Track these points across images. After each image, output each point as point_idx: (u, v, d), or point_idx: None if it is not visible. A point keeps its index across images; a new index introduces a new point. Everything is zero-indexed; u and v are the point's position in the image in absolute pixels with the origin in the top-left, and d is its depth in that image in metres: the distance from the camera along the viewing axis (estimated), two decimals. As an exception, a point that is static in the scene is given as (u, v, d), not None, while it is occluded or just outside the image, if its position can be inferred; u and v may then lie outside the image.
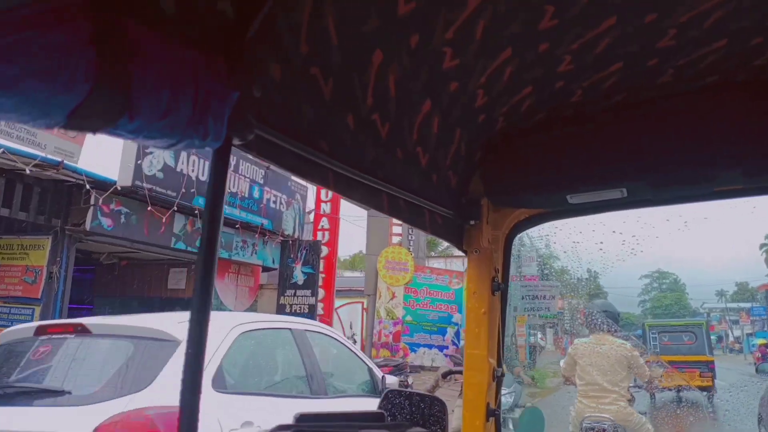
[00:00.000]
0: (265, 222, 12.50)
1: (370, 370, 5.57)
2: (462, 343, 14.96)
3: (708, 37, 1.21)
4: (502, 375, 1.81)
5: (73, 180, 8.26)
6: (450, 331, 20.21)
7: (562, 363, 5.26)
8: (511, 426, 6.41)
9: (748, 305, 51.29)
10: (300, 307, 13.86)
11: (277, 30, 0.95)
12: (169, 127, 0.75)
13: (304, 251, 13.96)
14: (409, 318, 19.82)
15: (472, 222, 1.72)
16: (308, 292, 14.02)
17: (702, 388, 14.81)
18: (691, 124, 1.43)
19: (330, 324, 13.12)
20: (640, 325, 25.57)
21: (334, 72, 1.10)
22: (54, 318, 8.08)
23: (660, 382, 5.94)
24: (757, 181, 1.47)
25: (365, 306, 20.46)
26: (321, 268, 14.47)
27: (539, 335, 31.47)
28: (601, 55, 1.27)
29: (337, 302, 21.29)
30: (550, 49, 1.24)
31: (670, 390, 14.10)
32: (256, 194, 12.11)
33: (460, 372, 3.40)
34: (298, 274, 14.02)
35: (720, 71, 1.36)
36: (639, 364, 4.86)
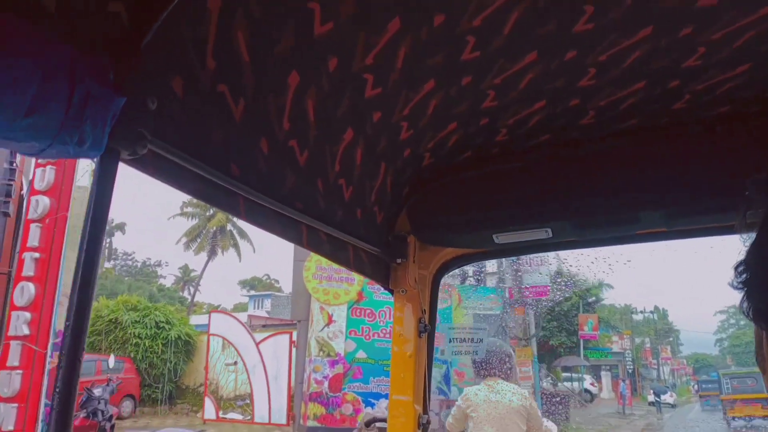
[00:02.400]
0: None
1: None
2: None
3: (628, 78, 1.23)
4: (428, 423, 1.72)
5: None
6: (435, 373, 13.84)
7: (449, 418, 4.30)
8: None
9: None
10: None
11: (178, 40, 0.90)
12: (35, 127, 0.70)
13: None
14: (361, 354, 13.41)
15: (398, 260, 1.67)
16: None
17: (764, 417, 22.98)
18: (613, 166, 1.45)
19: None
20: (717, 369, 34.26)
21: (245, 92, 1.05)
22: None
23: None
24: (678, 224, 1.49)
25: (294, 338, 14.13)
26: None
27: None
28: (524, 91, 1.27)
29: (259, 334, 15.21)
30: (473, 83, 1.23)
31: (743, 419, 23.22)
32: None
33: (385, 420, 2.00)
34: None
35: (640, 114, 1.38)
36: (536, 416, 4.11)
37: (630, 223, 1.47)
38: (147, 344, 18.64)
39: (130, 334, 18.39)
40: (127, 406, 16.99)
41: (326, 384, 12.89)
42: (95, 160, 0.81)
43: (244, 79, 1.02)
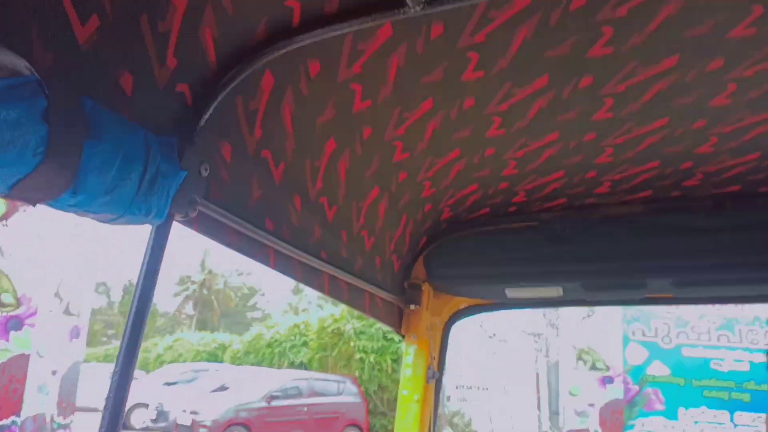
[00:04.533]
0: None
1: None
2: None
3: (641, 158, 1.35)
4: None
5: None
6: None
7: None
8: None
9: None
10: None
11: (232, 114, 1.01)
12: (113, 203, 0.78)
13: None
14: (658, 368, 8.06)
15: (412, 306, 1.72)
16: None
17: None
18: (624, 233, 1.53)
19: None
20: None
21: (285, 156, 1.16)
22: None
23: None
24: (686, 291, 1.56)
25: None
26: None
27: None
28: (544, 163, 1.38)
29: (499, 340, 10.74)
30: (496, 154, 1.35)
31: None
32: None
33: None
34: None
35: (653, 188, 1.50)
36: None
37: (637, 288, 1.58)
38: (373, 360, 15.48)
39: (354, 347, 15.43)
40: (351, 439, 13.93)
41: (594, 417, 7.70)
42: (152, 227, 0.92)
43: (285, 145, 1.14)
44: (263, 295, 54.76)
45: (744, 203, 1.46)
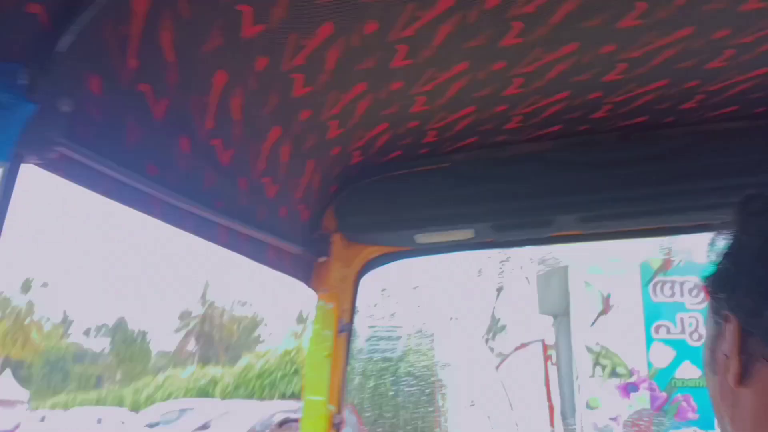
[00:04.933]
0: None
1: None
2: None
3: (551, 89, 1.32)
4: (341, 423, 1.72)
5: None
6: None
7: None
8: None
9: None
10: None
11: (98, 42, 0.90)
12: None
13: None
14: (687, 370, 6.80)
15: (321, 259, 1.67)
16: None
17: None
18: (534, 171, 1.53)
19: None
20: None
21: (168, 91, 1.05)
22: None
23: None
24: (592, 227, 1.56)
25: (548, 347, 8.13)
26: None
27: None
28: (453, 98, 1.34)
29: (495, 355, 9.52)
30: (404, 88, 1.29)
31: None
32: None
33: (297, 420, 2.02)
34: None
35: (562, 121, 1.47)
36: None
37: (545, 226, 1.55)
38: (373, 384, 14.15)
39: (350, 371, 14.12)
40: (349, 469, 12.51)
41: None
42: None
43: (167, 78, 1.03)
44: (266, 325, 53.51)
45: (650, 134, 1.50)
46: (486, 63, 1.21)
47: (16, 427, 25.98)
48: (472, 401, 10.69)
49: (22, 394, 40.65)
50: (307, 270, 1.68)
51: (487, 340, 14.87)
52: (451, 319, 14.38)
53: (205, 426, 12.76)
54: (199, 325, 46.52)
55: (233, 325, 47.93)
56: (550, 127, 1.48)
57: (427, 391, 14.25)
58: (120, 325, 41.27)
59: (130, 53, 0.93)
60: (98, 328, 45.56)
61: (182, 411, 15.86)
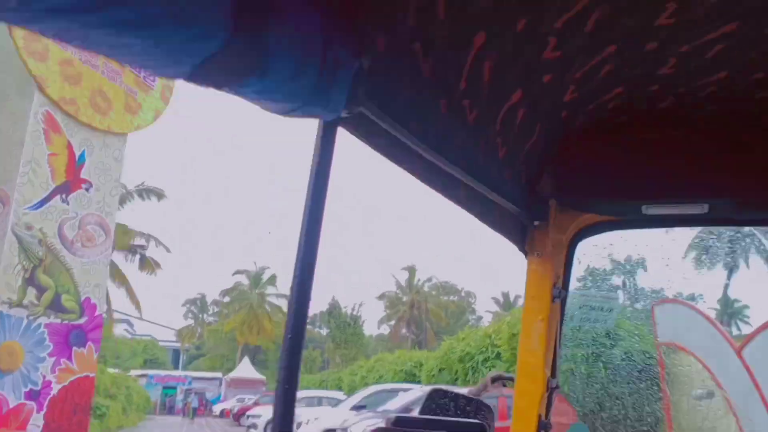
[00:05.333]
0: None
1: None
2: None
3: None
4: (557, 387, 1.74)
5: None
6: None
7: None
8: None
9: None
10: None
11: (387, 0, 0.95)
12: (295, 91, 0.74)
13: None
14: None
15: (536, 222, 1.65)
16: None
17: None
18: None
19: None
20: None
21: (435, 49, 1.07)
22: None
23: None
24: None
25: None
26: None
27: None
28: (710, 60, 1.22)
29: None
30: (658, 48, 1.21)
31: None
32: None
33: (512, 379, 2.67)
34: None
35: None
36: None
37: None
38: (585, 371, 12.56)
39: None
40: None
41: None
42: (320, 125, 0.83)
43: (436, 36, 1.03)
44: (473, 309, 53.20)
45: None
46: (759, 23, 1.09)
47: (256, 402, 29.41)
48: (708, 390, 8.69)
49: (261, 376, 46.05)
50: (522, 233, 1.66)
51: (722, 321, 12.16)
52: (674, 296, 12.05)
53: (406, 409, 12.48)
54: (409, 310, 47.88)
55: (440, 311, 48.43)
56: None
57: (651, 379, 12.17)
58: (334, 310, 44.14)
59: (410, 9, 0.94)
60: (316, 315, 49.22)
61: (390, 392, 15.95)
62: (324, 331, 50.72)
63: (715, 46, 1.15)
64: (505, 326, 14.80)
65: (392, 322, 50.00)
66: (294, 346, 0.80)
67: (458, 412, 1.59)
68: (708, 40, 1.14)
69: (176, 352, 63.25)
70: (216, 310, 59.86)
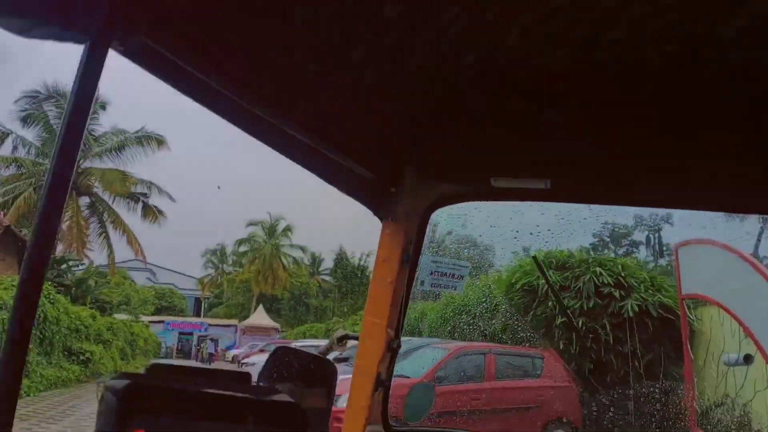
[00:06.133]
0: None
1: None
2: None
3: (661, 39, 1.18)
4: (398, 347, 1.79)
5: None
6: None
7: None
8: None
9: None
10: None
11: None
12: (25, 2, 0.68)
13: None
14: None
15: (392, 189, 1.66)
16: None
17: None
18: (625, 126, 1.42)
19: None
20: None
21: None
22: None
23: None
24: (681, 193, 1.54)
25: None
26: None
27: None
28: (549, 35, 1.21)
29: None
30: (502, 18, 1.17)
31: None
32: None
33: (356, 338, 2.29)
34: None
35: (662, 75, 1.32)
36: None
37: (632, 185, 1.51)
38: (583, 325, 10.92)
39: (553, 308, 11.06)
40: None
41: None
42: (84, 47, 0.75)
43: None
44: (491, 264, 51.58)
45: None
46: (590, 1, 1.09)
47: (261, 349, 29.05)
48: (745, 354, 7.04)
49: (274, 323, 46.12)
50: (377, 198, 1.68)
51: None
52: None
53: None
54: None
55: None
56: (647, 82, 1.30)
57: (671, 338, 10.44)
58: (341, 261, 43.26)
59: None
60: (329, 268, 48.66)
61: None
62: (330, 282, 50.20)
63: (551, 19, 1.11)
64: (504, 276, 13.23)
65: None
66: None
67: (301, 369, 1.53)
68: (546, 14, 1.10)
69: (197, 301, 64.15)
70: (234, 260, 59.96)
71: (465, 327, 14.22)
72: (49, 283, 18.08)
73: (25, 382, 13.61)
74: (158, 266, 62.41)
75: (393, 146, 1.58)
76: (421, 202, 1.72)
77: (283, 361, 1.63)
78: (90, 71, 0.74)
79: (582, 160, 1.47)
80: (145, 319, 41.50)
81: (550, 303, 11.00)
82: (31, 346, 15.12)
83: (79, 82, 0.74)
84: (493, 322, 13.27)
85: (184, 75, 0.92)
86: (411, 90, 1.41)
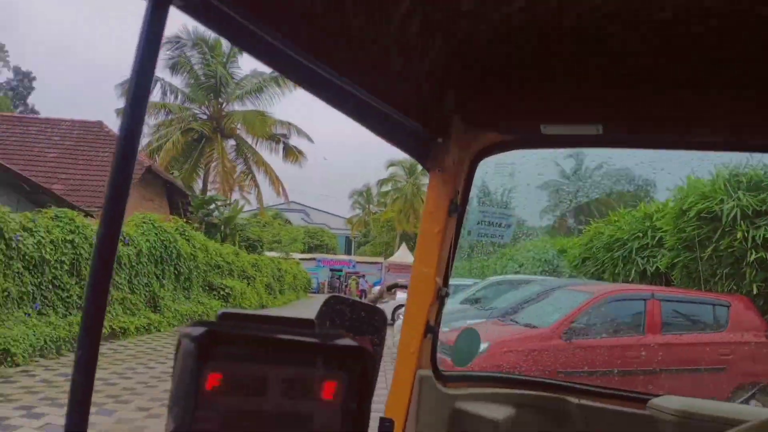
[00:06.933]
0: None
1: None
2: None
3: None
4: (447, 295, 1.79)
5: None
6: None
7: None
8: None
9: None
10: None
11: None
12: None
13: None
14: None
15: (439, 139, 1.64)
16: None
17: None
18: (677, 71, 1.41)
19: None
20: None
21: None
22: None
23: None
24: (738, 137, 1.52)
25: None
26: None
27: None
28: None
29: None
30: None
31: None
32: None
33: (406, 287, 2.12)
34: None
35: (705, 22, 1.27)
36: None
37: (686, 130, 1.49)
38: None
39: (744, 241, 8.36)
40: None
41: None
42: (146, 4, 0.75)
43: None
44: (652, 200, 46.24)
45: None
46: None
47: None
48: None
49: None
50: (424, 149, 1.64)
51: None
52: None
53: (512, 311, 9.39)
54: (574, 200, 43.12)
55: (610, 200, 42.69)
56: (700, 23, 1.24)
57: None
58: (483, 197, 41.23)
59: None
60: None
61: (509, 285, 12.81)
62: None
63: None
64: (671, 204, 10.54)
65: (556, 213, 45.76)
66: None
67: (353, 317, 1.42)
68: None
69: (347, 240, 66.95)
70: (379, 200, 61.02)
71: (617, 266, 11.87)
72: (184, 220, 18.64)
73: (156, 317, 14.02)
74: (311, 207, 65.73)
75: (438, 96, 1.53)
76: (468, 151, 1.72)
77: (335, 309, 1.45)
78: (153, 29, 0.74)
79: (634, 104, 1.44)
80: (297, 256, 43.49)
81: (739, 234, 8.31)
82: (164, 281, 15.87)
83: (144, 40, 0.73)
84: (658, 259, 10.77)
85: (245, 32, 0.91)
86: (456, 39, 1.36)
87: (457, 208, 1.71)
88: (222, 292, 19.53)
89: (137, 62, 0.72)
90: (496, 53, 1.45)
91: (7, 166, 12.67)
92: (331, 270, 53.68)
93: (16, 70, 48.79)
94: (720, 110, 1.39)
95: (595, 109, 1.48)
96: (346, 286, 46.33)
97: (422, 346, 1.73)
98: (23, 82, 48.63)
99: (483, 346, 7.93)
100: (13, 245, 9.18)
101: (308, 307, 27.95)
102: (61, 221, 10.97)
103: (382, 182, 54.97)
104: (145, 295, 14.14)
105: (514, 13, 1.29)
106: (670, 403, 1.85)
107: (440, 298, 1.74)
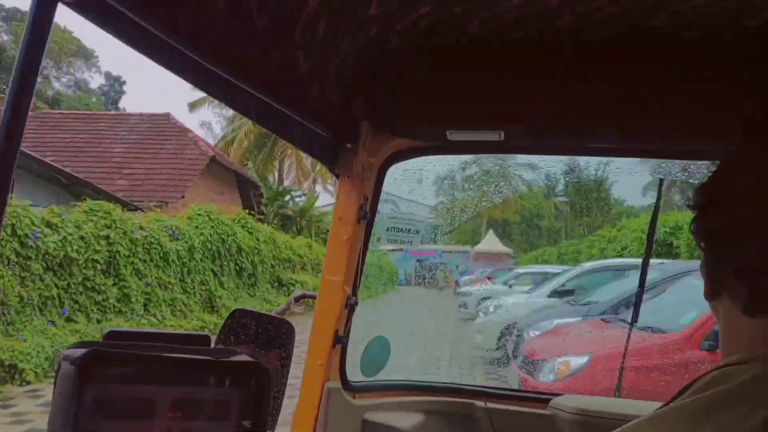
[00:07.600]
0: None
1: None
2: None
3: None
4: (355, 304, 1.80)
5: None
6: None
7: None
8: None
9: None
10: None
11: None
12: None
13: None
14: None
15: (348, 145, 1.64)
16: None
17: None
18: (574, 76, 1.43)
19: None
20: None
21: None
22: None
23: None
24: (629, 142, 1.54)
25: None
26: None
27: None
28: None
29: None
30: None
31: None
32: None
33: (314, 297, 2.23)
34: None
35: (615, 26, 1.32)
36: None
37: (582, 135, 1.51)
38: None
39: None
40: None
41: None
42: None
43: None
44: None
45: (706, 52, 1.35)
46: None
47: (488, 277, 26.65)
48: None
49: (506, 249, 43.63)
50: (333, 154, 1.64)
51: None
52: None
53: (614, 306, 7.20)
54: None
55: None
56: (603, 30, 1.29)
57: None
58: (572, 172, 37.92)
59: None
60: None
61: (614, 272, 10.50)
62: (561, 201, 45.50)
63: None
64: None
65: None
66: None
67: (259, 331, 1.39)
68: None
69: (433, 228, 65.65)
70: (464, 186, 59.16)
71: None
72: (256, 212, 17.68)
73: (211, 319, 12.92)
74: (398, 196, 64.91)
75: (347, 102, 1.53)
76: (377, 157, 1.72)
77: (239, 323, 1.39)
78: (39, 25, 0.71)
79: (535, 111, 1.45)
80: (384, 247, 42.48)
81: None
82: (224, 278, 14.79)
83: (29, 36, 0.71)
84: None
85: (140, 32, 0.86)
86: (364, 44, 1.37)
87: (366, 215, 1.73)
88: (292, 288, 18.43)
89: (21, 59, 0.70)
90: (404, 59, 1.46)
91: (41, 158, 11.96)
92: (417, 261, 52.43)
93: (107, 75, 51.05)
94: (618, 119, 1.39)
95: (494, 115, 1.47)
96: (432, 278, 44.73)
97: (330, 358, 1.75)
98: (114, 86, 50.78)
99: (582, 360, 5.87)
100: (30, 244, 8.21)
101: (388, 302, 26.56)
102: (95, 215, 10.03)
103: (465, 165, 53.36)
104: (200, 294, 13.11)
105: (420, 19, 1.30)
106: (569, 401, 1.96)
107: (349, 307, 1.77)
